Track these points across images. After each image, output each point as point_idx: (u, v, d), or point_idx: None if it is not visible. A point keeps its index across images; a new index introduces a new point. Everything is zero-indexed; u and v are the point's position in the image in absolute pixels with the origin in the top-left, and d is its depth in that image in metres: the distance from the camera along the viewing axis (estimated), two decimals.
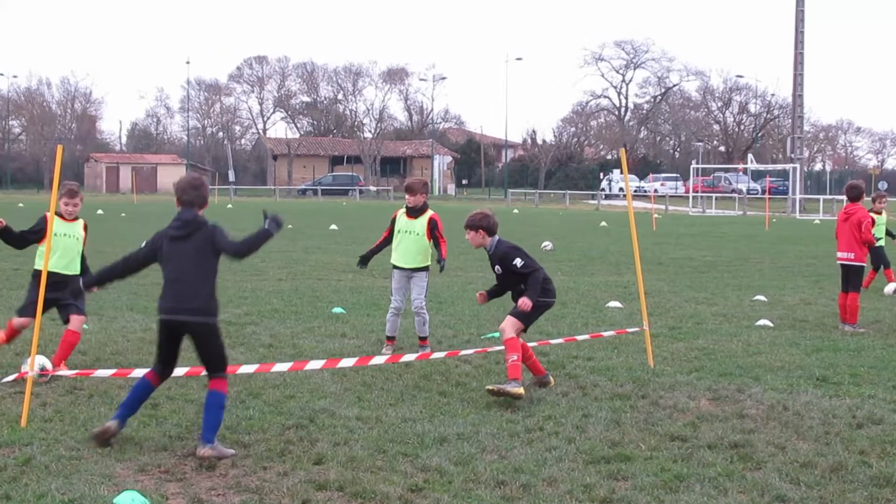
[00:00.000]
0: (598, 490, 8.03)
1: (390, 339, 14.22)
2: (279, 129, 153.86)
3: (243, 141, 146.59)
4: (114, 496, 7.64)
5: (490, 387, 10.94)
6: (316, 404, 10.76)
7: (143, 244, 9.57)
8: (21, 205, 69.03)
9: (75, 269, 12.24)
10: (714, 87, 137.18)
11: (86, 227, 12.64)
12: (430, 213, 14.17)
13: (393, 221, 14.33)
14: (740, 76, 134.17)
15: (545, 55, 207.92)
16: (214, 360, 9.18)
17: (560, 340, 13.82)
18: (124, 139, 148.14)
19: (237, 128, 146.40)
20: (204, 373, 9.53)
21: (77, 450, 8.98)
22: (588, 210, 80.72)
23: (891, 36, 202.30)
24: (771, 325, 16.72)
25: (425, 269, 14.13)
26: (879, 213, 22.10)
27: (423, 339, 14.13)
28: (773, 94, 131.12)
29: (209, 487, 8.07)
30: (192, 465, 8.61)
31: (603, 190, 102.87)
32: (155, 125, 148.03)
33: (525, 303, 11.29)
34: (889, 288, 21.67)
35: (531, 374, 11.79)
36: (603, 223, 53.52)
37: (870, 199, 22.69)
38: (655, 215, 55.61)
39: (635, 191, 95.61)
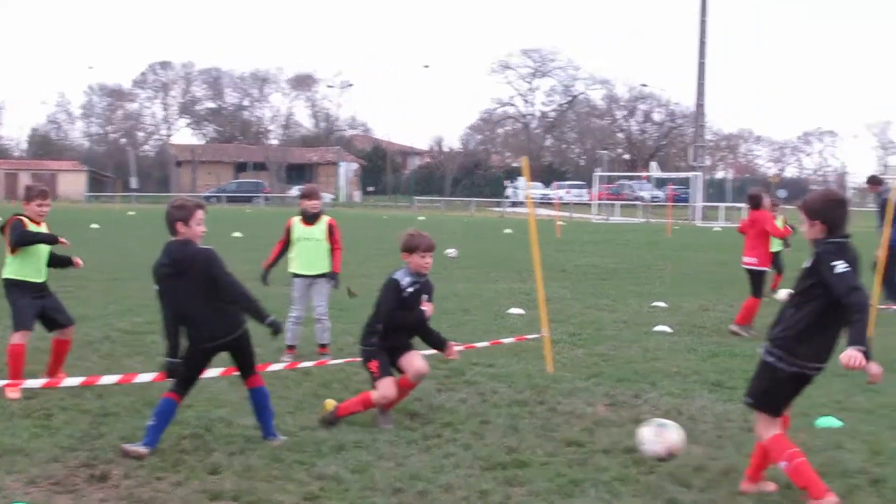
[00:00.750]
0: (493, 496, 8.06)
1: (290, 347, 14.15)
2: (184, 135, 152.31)
3: (147, 147, 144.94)
4: None
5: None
6: (213, 413, 10.67)
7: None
8: None
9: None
10: (619, 95, 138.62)
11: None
12: (326, 217, 14.15)
13: (288, 230, 14.18)
14: (645, 85, 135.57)
15: (453, 63, 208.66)
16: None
17: (460, 347, 13.82)
18: (24, 145, 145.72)
19: (141, 134, 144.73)
20: (100, 382, 9.50)
21: None
22: (493, 217, 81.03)
23: (790, 47, 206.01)
24: (669, 330, 16.93)
25: (326, 275, 14.11)
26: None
27: (323, 346, 14.12)
28: (676, 103, 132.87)
29: (101, 499, 7.96)
30: (83, 477, 8.48)
31: (508, 197, 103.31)
32: (56, 131, 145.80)
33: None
34: (782, 293, 21.95)
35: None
36: (508, 230, 53.73)
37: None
38: (560, 222, 55.98)
39: (541, 198, 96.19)
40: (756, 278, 17.31)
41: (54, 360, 12.16)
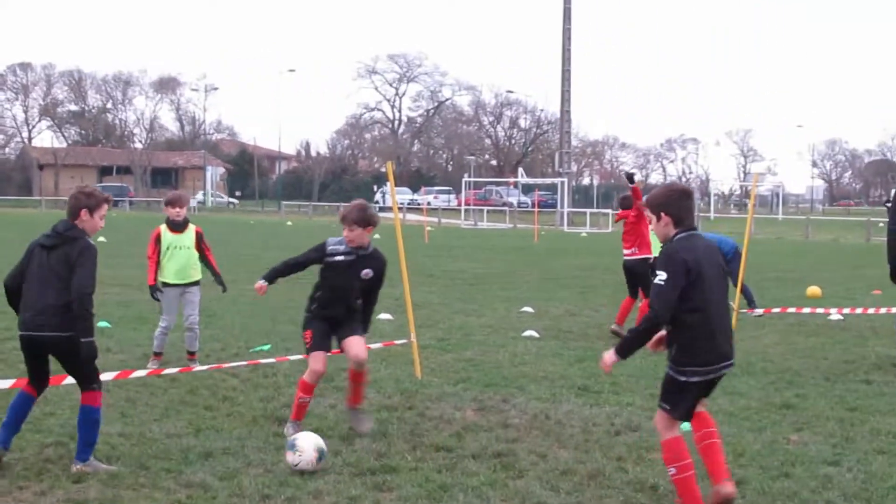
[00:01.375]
0: (363, 501, 8.08)
1: (157, 354, 13.99)
2: (45, 137, 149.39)
3: (7, 150, 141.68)
4: None
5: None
6: (76, 421, 10.45)
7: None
8: None
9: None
10: (486, 101, 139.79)
11: None
12: (193, 226, 13.99)
13: (157, 240, 13.80)
14: (511, 91, 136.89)
15: (319, 67, 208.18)
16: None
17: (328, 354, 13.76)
18: None
19: (0, 136, 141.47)
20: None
21: None
22: None
23: (653, 55, 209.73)
24: (537, 335, 17.08)
25: (198, 282, 14.01)
26: None
27: (191, 353, 13.97)
28: (542, 110, 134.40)
29: None
30: None
31: (377, 202, 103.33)
32: None
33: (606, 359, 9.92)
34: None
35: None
36: (376, 236, 53.65)
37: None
38: (428, 228, 56.21)
39: (409, 203, 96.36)
40: (636, 269, 17.27)
41: None
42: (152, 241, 13.81)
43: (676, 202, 7.58)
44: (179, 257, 13.76)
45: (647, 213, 7.74)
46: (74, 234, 8.86)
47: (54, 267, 8.71)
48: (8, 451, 8.82)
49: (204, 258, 13.99)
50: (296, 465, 8.84)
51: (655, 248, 20.95)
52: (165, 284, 13.82)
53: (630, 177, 18.58)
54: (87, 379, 9.02)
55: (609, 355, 7.60)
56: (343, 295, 10.60)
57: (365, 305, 10.82)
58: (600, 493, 8.40)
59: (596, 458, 9.41)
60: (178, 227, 13.80)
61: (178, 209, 13.80)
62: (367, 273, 10.63)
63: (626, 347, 7.60)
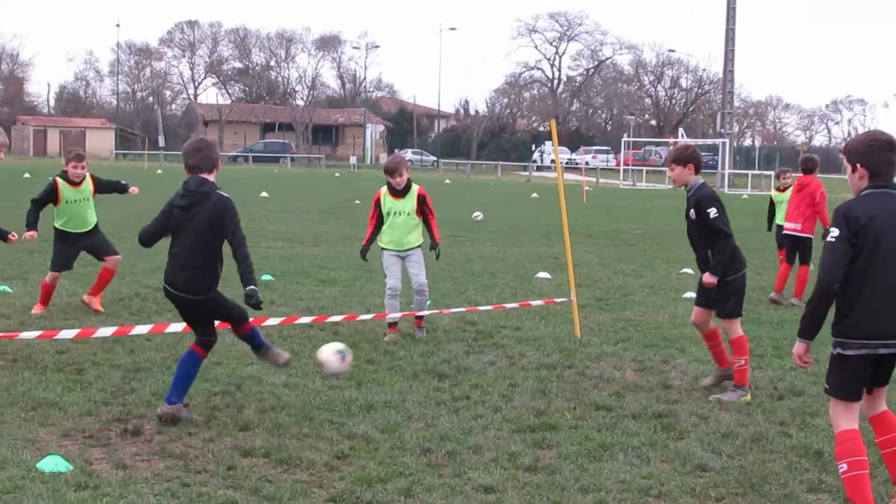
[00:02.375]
0: (523, 458, 8.09)
1: (393, 325, 13.02)
2: (210, 94, 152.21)
3: (174, 106, 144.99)
4: (37, 461, 7.59)
5: (720, 396, 10.19)
6: (243, 371, 10.74)
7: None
8: None
9: (89, 226, 14.08)
10: (646, 61, 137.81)
11: (94, 180, 14.15)
12: (416, 188, 13.02)
13: (377, 203, 13.08)
14: (672, 50, 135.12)
15: (479, 25, 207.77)
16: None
17: (489, 308, 13.85)
18: (52, 102, 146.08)
19: (168, 93, 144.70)
20: (134, 332, 9.60)
21: (0, 414, 8.89)
22: (519, 181, 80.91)
23: (820, 14, 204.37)
24: None
25: (419, 246, 13.15)
26: (783, 190, 21.52)
27: (419, 318, 13.18)
28: (704, 70, 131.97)
29: (134, 453, 8.03)
30: (116, 431, 8.56)
31: (535, 161, 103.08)
32: (84, 88, 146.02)
33: (707, 279, 10.31)
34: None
35: (716, 364, 10.91)
36: (534, 195, 53.69)
37: (774, 174, 22.47)
38: (586, 188, 55.85)
39: (567, 163, 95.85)
40: (803, 245, 16.87)
41: (97, 284, 14.27)
42: (373, 204, 13.19)
43: (877, 153, 6.90)
44: (398, 224, 12.94)
45: (844, 161, 7.21)
46: (209, 189, 9.00)
47: (195, 225, 8.89)
48: (181, 404, 8.88)
49: (426, 223, 13.09)
50: (330, 372, 9.47)
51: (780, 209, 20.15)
52: (384, 249, 13.12)
53: None
54: (242, 316, 9.33)
55: (797, 347, 6.99)
56: None
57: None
58: (763, 457, 8.29)
59: (758, 422, 9.29)
60: (398, 192, 12.98)
61: (397, 178, 12.88)
62: None
63: (809, 328, 6.93)
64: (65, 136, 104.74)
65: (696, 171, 10.44)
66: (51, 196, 13.85)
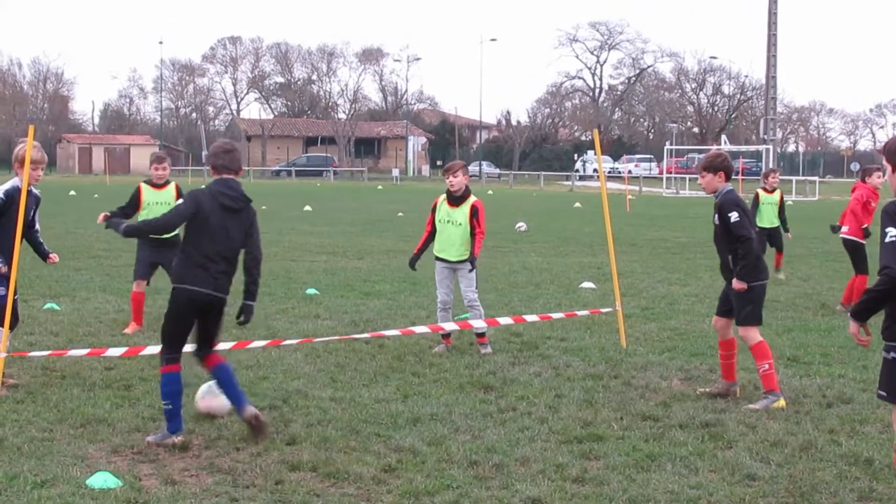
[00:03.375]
0: (570, 469, 8.07)
1: (446, 337, 12.87)
2: (253, 109, 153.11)
3: (217, 122, 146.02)
4: (86, 477, 7.65)
5: (751, 406, 10.06)
6: (289, 385, 10.77)
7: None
8: None
9: (170, 233, 12.17)
10: (688, 68, 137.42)
11: (178, 189, 13.84)
12: (472, 199, 12.73)
13: (434, 209, 12.94)
14: (714, 57, 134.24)
15: (519, 36, 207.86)
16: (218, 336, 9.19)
17: (535, 318, 13.83)
18: (97, 120, 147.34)
19: (211, 108, 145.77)
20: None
21: (49, 431, 8.97)
22: (562, 191, 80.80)
23: (864, 17, 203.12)
24: None
25: (469, 259, 12.74)
26: (771, 191, 21.50)
27: (479, 336, 12.83)
28: (746, 76, 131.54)
29: (182, 468, 8.08)
30: (164, 447, 8.60)
31: (577, 171, 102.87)
32: (128, 106, 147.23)
33: (737, 285, 10.28)
34: (780, 275, 20.65)
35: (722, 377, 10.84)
36: (577, 204, 53.60)
37: (762, 174, 22.31)
38: (629, 196, 55.68)
39: (609, 172, 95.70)
40: (853, 252, 16.67)
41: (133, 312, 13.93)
42: (431, 209, 13.01)
43: None
44: (448, 233, 12.70)
45: (884, 161, 7.06)
46: (249, 199, 8.95)
47: (237, 230, 8.82)
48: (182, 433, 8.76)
49: (472, 235, 12.71)
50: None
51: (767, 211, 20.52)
52: (437, 258, 12.91)
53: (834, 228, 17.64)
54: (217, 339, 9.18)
55: (851, 326, 6.80)
56: None
57: None
58: (812, 466, 8.22)
59: (807, 430, 9.22)
60: (455, 200, 12.75)
61: (450, 179, 12.72)
62: None
63: (863, 310, 6.74)
64: (109, 154, 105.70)
65: (727, 179, 10.52)
66: (134, 201, 13.70)
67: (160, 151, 14.22)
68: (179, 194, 13.70)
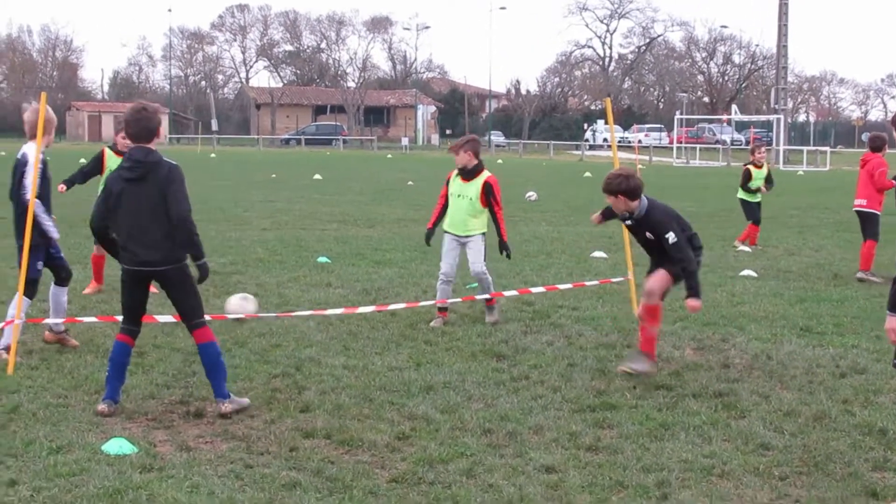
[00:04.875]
0: (583, 438, 8.08)
1: (442, 311, 12.65)
2: (262, 78, 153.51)
3: (226, 90, 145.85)
4: (102, 443, 7.67)
5: (621, 368, 10.05)
6: (302, 353, 10.78)
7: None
8: (2, 153, 68.69)
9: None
10: (698, 37, 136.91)
11: None
12: (485, 175, 12.53)
13: (447, 183, 12.81)
14: (724, 26, 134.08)
15: (529, 4, 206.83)
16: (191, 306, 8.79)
17: (543, 289, 13.82)
18: (106, 88, 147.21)
19: (220, 77, 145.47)
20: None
21: (64, 397, 9.00)
22: (572, 160, 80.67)
23: None
24: (755, 275, 16.78)
25: (481, 234, 12.68)
26: (759, 165, 21.64)
27: (488, 300, 12.73)
28: (757, 45, 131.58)
29: (196, 435, 8.10)
30: (179, 413, 8.64)
31: (587, 140, 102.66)
32: (137, 74, 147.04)
33: (693, 304, 10.08)
34: (743, 247, 20.88)
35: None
36: (587, 174, 53.52)
37: (749, 149, 22.46)
38: (639, 166, 55.44)
39: (619, 141, 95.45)
40: (865, 220, 16.72)
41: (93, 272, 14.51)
42: (445, 183, 12.87)
43: None
44: (458, 208, 12.56)
45: (894, 133, 6.94)
46: (156, 159, 8.51)
47: (149, 197, 8.45)
48: (117, 404, 8.66)
49: (493, 215, 12.58)
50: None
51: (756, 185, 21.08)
52: (445, 232, 12.81)
53: None
54: (196, 310, 8.79)
55: (889, 321, 6.82)
56: None
57: None
58: (826, 436, 8.22)
59: (821, 400, 9.21)
60: (466, 174, 12.59)
61: (455, 155, 12.67)
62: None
63: None
64: (118, 122, 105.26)
65: (633, 198, 10.18)
66: (97, 165, 14.20)
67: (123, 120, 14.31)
68: None
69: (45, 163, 10.47)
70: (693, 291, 10.06)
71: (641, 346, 10.24)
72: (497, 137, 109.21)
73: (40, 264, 10.49)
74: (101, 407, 8.56)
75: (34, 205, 10.13)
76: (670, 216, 10.31)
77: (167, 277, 8.63)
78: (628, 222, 10.51)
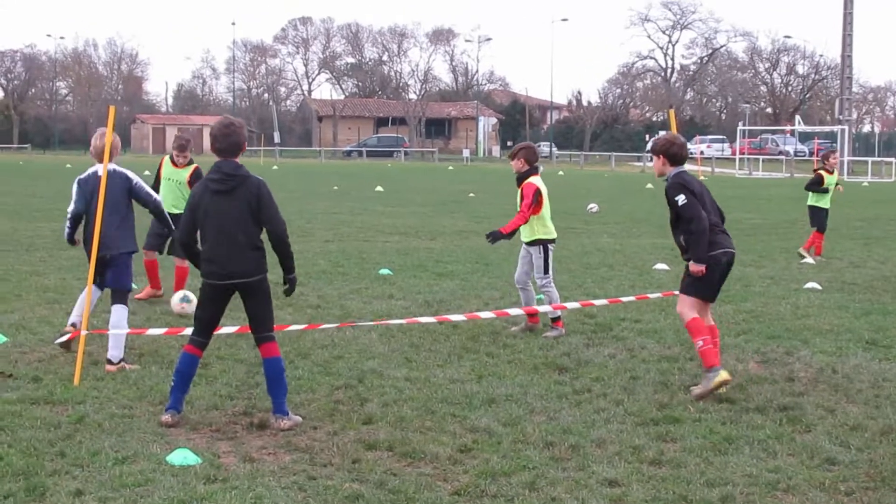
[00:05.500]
0: (647, 451, 8.04)
1: (531, 317, 12.74)
2: (324, 90, 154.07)
3: (288, 102, 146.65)
4: (166, 454, 7.73)
5: (694, 393, 9.71)
6: (364, 365, 10.81)
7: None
8: (69, 165, 69.59)
9: (179, 210, 13.16)
10: (761, 47, 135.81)
11: (193, 172, 14.52)
12: (528, 180, 12.57)
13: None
14: (788, 37, 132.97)
15: (591, 16, 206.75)
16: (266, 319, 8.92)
17: (605, 302, 13.78)
18: (170, 100, 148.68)
19: (282, 89, 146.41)
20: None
21: (129, 408, 9.08)
22: (633, 172, 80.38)
23: None
24: (819, 287, 16.62)
25: (536, 243, 12.64)
26: (831, 172, 21.43)
27: (553, 320, 12.65)
28: (821, 55, 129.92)
29: (260, 446, 8.14)
30: (242, 424, 8.69)
31: (648, 152, 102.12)
32: (201, 86, 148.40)
33: (694, 268, 9.82)
34: (808, 259, 20.51)
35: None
36: (649, 185, 53.29)
37: (822, 155, 22.32)
38: (702, 177, 55.14)
39: None
40: None
41: (175, 283, 14.60)
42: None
43: None
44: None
45: None
46: (245, 173, 8.67)
47: (237, 210, 8.61)
48: (180, 414, 8.75)
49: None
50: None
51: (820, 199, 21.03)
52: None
53: None
54: (268, 323, 8.93)
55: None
56: None
57: None
58: (893, 451, 8.12)
59: (887, 415, 9.11)
60: (518, 180, 12.74)
61: (511, 161, 12.83)
62: None
63: None
64: (183, 134, 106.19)
65: (672, 164, 10.12)
66: (156, 173, 14.91)
67: (182, 138, 14.91)
68: (192, 177, 14.41)
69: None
70: (695, 256, 9.79)
71: (704, 364, 9.87)
72: (547, 149, 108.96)
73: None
74: (165, 417, 8.65)
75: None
76: (688, 186, 9.96)
77: (251, 288, 8.78)
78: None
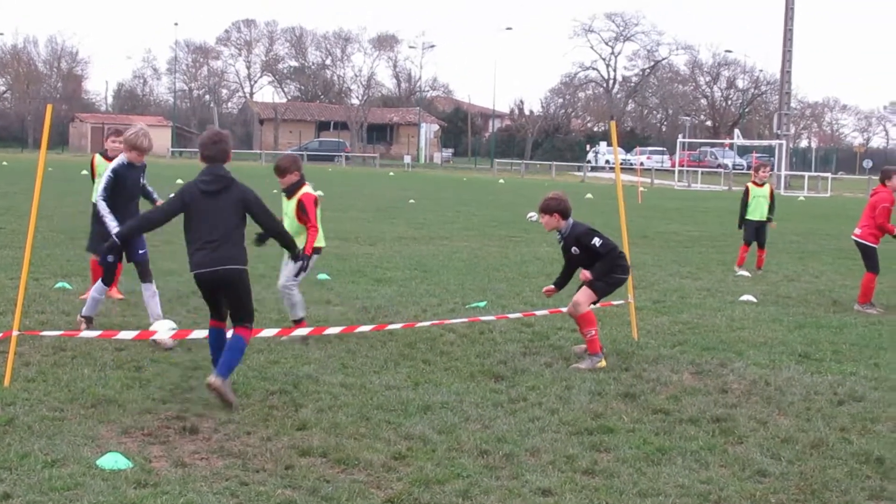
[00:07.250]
0: (580, 461, 8.06)
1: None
2: (266, 93, 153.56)
3: (230, 104, 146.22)
4: (97, 458, 7.64)
5: (576, 365, 11.42)
6: (300, 370, 10.76)
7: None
8: (4, 163, 68.78)
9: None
10: (703, 61, 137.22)
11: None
12: (300, 192, 12.85)
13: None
14: (729, 51, 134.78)
15: (535, 25, 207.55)
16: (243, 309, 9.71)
17: (545, 312, 13.82)
18: (110, 100, 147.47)
19: (224, 91, 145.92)
20: (191, 336, 9.92)
21: (60, 410, 8.97)
22: (574, 182, 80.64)
23: (879, 14, 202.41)
24: (754, 300, 16.76)
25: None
26: (760, 184, 21.62)
27: (294, 321, 12.56)
28: (761, 70, 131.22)
29: (192, 451, 8.07)
30: (175, 429, 8.61)
31: (589, 162, 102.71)
32: (141, 86, 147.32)
33: (585, 275, 11.78)
34: (742, 272, 20.61)
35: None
36: (588, 195, 53.50)
37: (753, 168, 22.50)
38: (641, 189, 55.60)
39: (621, 164, 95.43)
40: (863, 252, 16.61)
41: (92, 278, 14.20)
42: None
43: None
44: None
45: None
46: (232, 176, 9.78)
47: (226, 209, 9.51)
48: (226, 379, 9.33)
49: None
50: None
51: (756, 204, 21.44)
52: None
53: None
54: (250, 314, 9.77)
55: None
56: None
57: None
58: (823, 464, 8.20)
59: (818, 428, 9.20)
60: (287, 192, 12.96)
61: (279, 178, 13.01)
62: None
63: None
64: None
65: (564, 218, 12.24)
66: (90, 171, 14.80)
67: (120, 126, 15.14)
68: None
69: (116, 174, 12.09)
70: (594, 270, 11.82)
71: (589, 348, 11.56)
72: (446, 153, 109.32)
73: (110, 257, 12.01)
74: (212, 379, 9.19)
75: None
76: (593, 231, 12.15)
77: (236, 278, 9.55)
78: (560, 242, 12.25)
